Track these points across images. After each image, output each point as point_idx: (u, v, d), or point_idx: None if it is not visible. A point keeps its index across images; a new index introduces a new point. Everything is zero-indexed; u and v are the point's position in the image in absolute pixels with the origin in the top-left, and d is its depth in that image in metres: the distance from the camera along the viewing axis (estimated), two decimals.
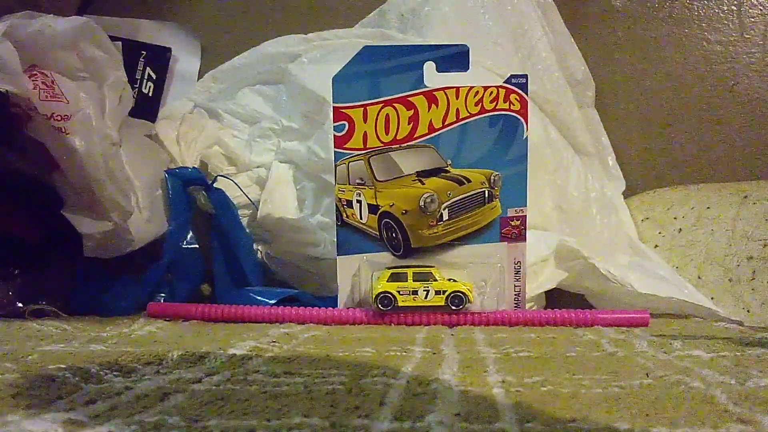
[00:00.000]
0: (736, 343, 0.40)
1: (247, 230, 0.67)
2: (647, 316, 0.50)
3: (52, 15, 0.53)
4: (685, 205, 0.75)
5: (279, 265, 0.68)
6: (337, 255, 0.53)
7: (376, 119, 0.52)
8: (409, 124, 0.52)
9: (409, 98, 0.52)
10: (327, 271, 0.62)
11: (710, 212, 0.73)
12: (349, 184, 0.53)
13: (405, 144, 0.52)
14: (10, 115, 0.48)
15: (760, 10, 0.81)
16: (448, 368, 0.32)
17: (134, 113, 0.61)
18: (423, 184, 0.52)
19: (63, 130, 0.49)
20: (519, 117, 0.53)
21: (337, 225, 0.53)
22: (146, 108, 0.80)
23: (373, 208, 0.52)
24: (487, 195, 0.53)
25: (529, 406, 0.24)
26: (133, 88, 0.81)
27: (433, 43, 0.54)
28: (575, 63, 0.77)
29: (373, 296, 0.50)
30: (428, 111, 0.52)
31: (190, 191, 0.63)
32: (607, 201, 0.73)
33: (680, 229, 0.73)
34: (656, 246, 0.74)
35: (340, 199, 0.53)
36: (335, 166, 0.52)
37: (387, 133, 0.52)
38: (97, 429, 0.21)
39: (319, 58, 0.70)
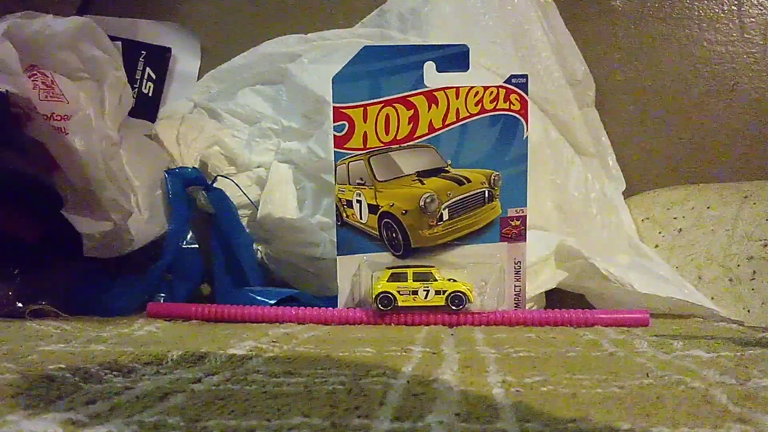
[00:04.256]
0: (736, 343, 0.40)
1: (247, 230, 0.67)
2: (647, 316, 0.50)
3: (52, 15, 0.53)
4: (685, 205, 0.75)
5: (279, 265, 0.68)
6: (337, 255, 0.53)
7: (376, 119, 0.52)
8: (409, 124, 0.52)
9: (409, 98, 0.52)
10: (327, 271, 0.62)
11: (710, 212, 0.73)
12: (349, 184, 0.53)
13: (405, 144, 0.52)
14: (10, 115, 0.48)
15: (760, 10, 0.81)
16: (448, 368, 0.32)
17: (134, 113, 0.61)
18: (423, 184, 0.52)
19: (63, 130, 0.49)
20: (519, 117, 0.53)
21: (337, 225, 0.53)
22: (146, 108, 0.80)
23: (373, 208, 0.52)
24: (487, 195, 0.53)
25: (529, 406, 0.24)
26: (133, 88, 0.81)
27: (433, 43, 0.54)
28: (575, 63, 0.77)
29: (373, 296, 0.50)
30: (428, 111, 0.52)
31: (190, 191, 0.63)
32: (607, 201, 0.73)
33: (680, 229, 0.73)
34: (656, 246, 0.74)
35: (340, 199, 0.53)
36: (335, 166, 0.52)
37: (387, 133, 0.52)
38: (97, 429, 0.21)
39: (319, 58, 0.70)
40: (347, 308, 0.52)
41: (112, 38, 0.57)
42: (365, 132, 0.52)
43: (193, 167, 0.64)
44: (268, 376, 0.30)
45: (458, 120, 0.52)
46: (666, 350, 0.37)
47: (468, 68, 0.52)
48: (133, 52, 0.82)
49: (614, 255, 0.68)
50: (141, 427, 0.21)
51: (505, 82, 0.52)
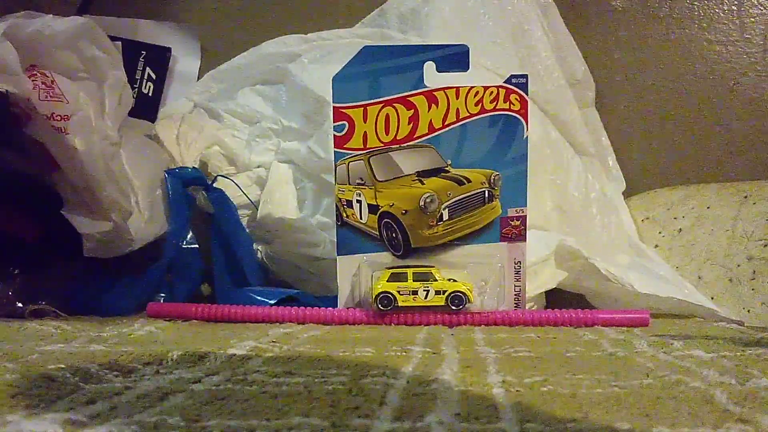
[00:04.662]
0: (736, 343, 0.40)
1: (247, 230, 0.67)
2: (647, 316, 0.50)
3: (52, 15, 0.53)
4: (685, 205, 0.75)
5: (279, 265, 0.68)
6: (337, 255, 0.53)
7: (376, 119, 0.52)
8: (409, 124, 0.52)
9: (409, 98, 0.52)
10: (327, 271, 0.62)
11: (710, 212, 0.73)
12: (349, 184, 0.53)
13: (405, 144, 0.52)
14: (10, 115, 0.48)
15: (760, 10, 0.81)
16: (448, 368, 0.32)
17: (134, 113, 0.61)
18: (423, 184, 0.52)
19: (63, 130, 0.49)
20: (519, 117, 0.53)
21: (337, 225, 0.53)
22: (146, 108, 0.80)
23: (373, 208, 0.52)
24: (487, 195, 0.53)
25: (529, 406, 0.24)
26: (133, 88, 0.81)
27: (433, 43, 0.54)
28: (575, 63, 0.77)
29: (373, 296, 0.50)
30: (428, 111, 0.52)
31: (190, 191, 0.63)
32: (607, 201, 0.73)
33: (680, 229, 0.73)
34: (656, 246, 0.74)
35: (340, 199, 0.53)
36: (335, 166, 0.52)
37: (387, 133, 0.52)
38: (97, 429, 0.21)
39: (319, 58, 0.70)
40: (347, 308, 0.52)
41: (112, 38, 0.57)
42: (365, 132, 0.52)
43: (193, 167, 0.64)
44: (268, 376, 0.30)
45: (458, 120, 0.52)
46: (666, 350, 0.37)
47: (468, 68, 0.52)
48: (133, 52, 0.82)
49: (614, 255, 0.68)
50: (141, 427, 0.21)
51: (505, 82, 0.52)
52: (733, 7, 0.82)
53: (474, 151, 0.53)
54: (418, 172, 0.53)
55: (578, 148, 0.73)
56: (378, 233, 0.53)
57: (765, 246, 0.67)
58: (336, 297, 0.53)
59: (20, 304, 0.52)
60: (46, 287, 0.53)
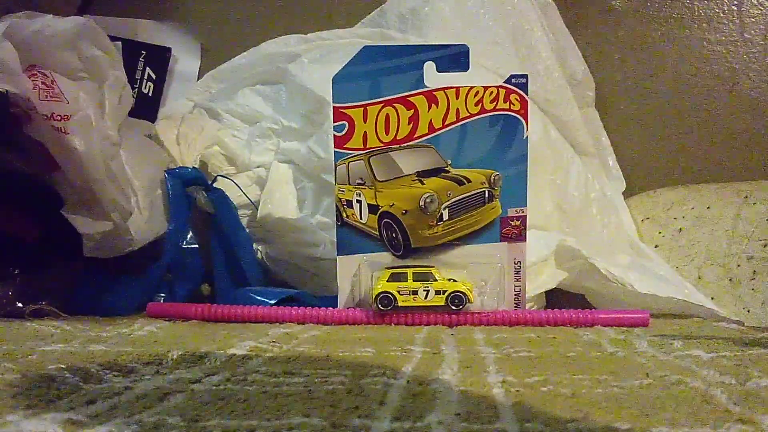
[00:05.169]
0: (736, 343, 0.40)
1: (247, 230, 0.67)
2: (647, 316, 0.50)
3: (52, 15, 0.53)
4: (685, 205, 0.75)
5: (279, 265, 0.68)
6: (337, 255, 0.53)
7: (376, 119, 0.52)
8: (409, 124, 0.52)
9: (409, 98, 0.51)
10: (327, 271, 0.62)
11: (710, 212, 0.73)
12: (349, 184, 0.53)
13: (405, 144, 0.52)
14: (10, 115, 0.48)
15: (760, 10, 0.81)
16: (448, 368, 0.32)
17: (134, 113, 0.61)
18: (423, 184, 0.52)
19: (63, 130, 0.49)
20: (519, 117, 0.53)
21: (337, 225, 0.53)
22: (146, 108, 0.80)
23: (373, 208, 0.52)
24: (487, 195, 0.53)
25: (529, 406, 0.24)
26: (133, 88, 0.81)
27: (433, 43, 0.54)
28: (575, 63, 0.77)
29: (373, 296, 0.50)
30: (428, 111, 0.52)
31: (190, 191, 0.63)
32: (607, 201, 0.73)
33: (680, 229, 0.73)
34: (656, 246, 0.74)
35: (340, 199, 0.53)
36: (335, 166, 0.52)
37: (387, 133, 0.52)
38: (97, 429, 0.21)
39: (319, 58, 0.70)
40: (347, 308, 0.52)
41: (112, 38, 0.57)
42: (365, 132, 0.52)
43: (193, 167, 0.64)
44: (268, 376, 0.30)
45: (458, 120, 0.52)
46: (666, 350, 0.37)
47: (468, 68, 0.52)
48: (133, 52, 0.82)
49: (614, 255, 0.68)
50: (141, 427, 0.21)
51: (505, 82, 0.52)
52: (733, 7, 0.82)
53: (474, 151, 0.53)
54: (418, 172, 0.53)
55: (578, 148, 0.73)
56: (378, 233, 0.53)
57: (765, 246, 0.67)
58: (336, 297, 0.53)
59: (20, 304, 0.52)
60: (46, 287, 0.53)
